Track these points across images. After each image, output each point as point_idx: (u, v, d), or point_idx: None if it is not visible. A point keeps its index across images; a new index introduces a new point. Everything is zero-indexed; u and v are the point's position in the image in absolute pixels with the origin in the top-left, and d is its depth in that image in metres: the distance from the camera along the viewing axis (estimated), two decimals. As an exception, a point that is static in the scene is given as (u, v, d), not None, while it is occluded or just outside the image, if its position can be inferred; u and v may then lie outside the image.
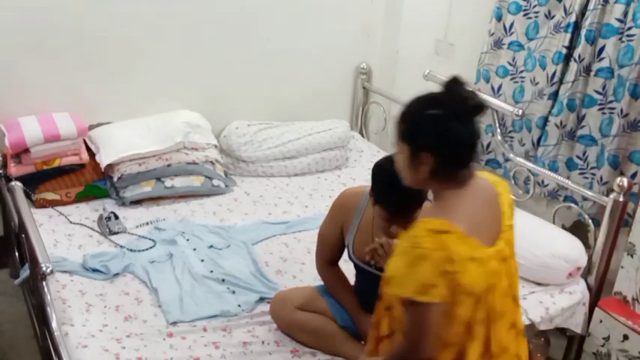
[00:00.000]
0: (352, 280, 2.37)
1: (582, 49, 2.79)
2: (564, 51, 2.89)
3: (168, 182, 3.20)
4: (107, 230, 2.88)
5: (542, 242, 2.73)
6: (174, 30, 3.38)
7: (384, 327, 1.73)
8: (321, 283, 2.44)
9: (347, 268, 2.36)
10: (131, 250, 2.75)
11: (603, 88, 2.78)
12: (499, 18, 3.21)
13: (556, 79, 2.95)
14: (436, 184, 1.59)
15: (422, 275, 1.44)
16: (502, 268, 1.60)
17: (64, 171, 3.11)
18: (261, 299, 2.51)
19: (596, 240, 2.72)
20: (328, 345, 2.25)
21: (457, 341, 1.56)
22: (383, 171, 1.95)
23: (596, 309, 2.66)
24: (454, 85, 1.59)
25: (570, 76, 2.86)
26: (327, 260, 2.33)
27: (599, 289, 2.77)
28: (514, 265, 1.68)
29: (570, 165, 3.00)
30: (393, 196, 1.90)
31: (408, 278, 1.45)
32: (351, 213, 2.21)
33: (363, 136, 4.12)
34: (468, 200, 1.56)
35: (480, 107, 1.57)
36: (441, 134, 1.52)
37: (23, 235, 2.38)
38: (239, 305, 2.47)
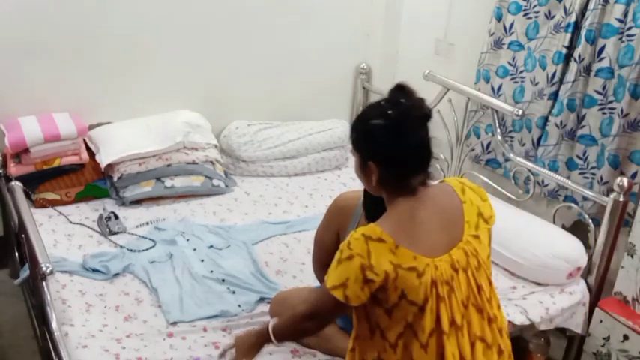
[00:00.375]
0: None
1: (582, 49, 2.79)
2: (564, 51, 2.89)
3: (168, 182, 3.20)
4: (107, 230, 2.89)
5: (542, 242, 2.73)
6: (174, 30, 3.38)
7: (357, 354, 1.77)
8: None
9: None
10: (131, 250, 2.76)
11: (603, 88, 2.78)
12: (499, 18, 3.21)
13: (556, 79, 2.95)
14: (386, 192, 1.63)
15: (341, 273, 1.55)
16: (459, 278, 1.60)
17: (64, 171, 3.11)
18: (261, 299, 2.52)
19: (596, 240, 2.71)
20: (328, 346, 2.25)
21: (403, 342, 1.60)
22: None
23: (596, 309, 2.66)
24: (398, 93, 1.60)
25: (570, 76, 2.86)
26: (324, 264, 2.30)
27: (599, 289, 2.76)
28: (481, 277, 1.66)
29: (570, 165, 3.00)
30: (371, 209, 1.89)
31: (333, 271, 1.57)
32: (347, 219, 2.17)
33: (363, 136, 4.12)
34: (416, 209, 1.59)
35: (425, 117, 1.59)
36: (382, 145, 1.57)
37: (23, 235, 2.38)
38: (239, 305, 2.47)
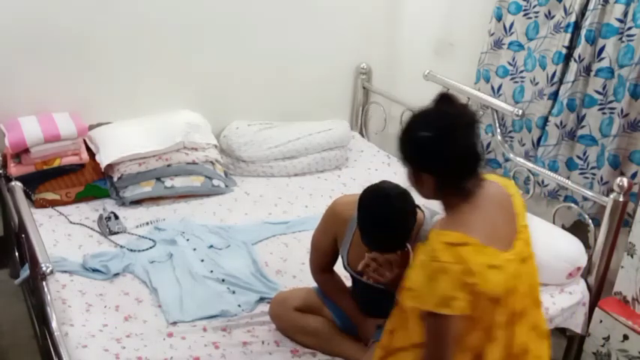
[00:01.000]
0: (349, 283, 2.36)
1: (582, 49, 2.79)
2: (564, 51, 2.89)
3: (168, 182, 3.20)
4: (107, 230, 2.88)
5: (542, 242, 2.71)
6: (174, 30, 3.37)
7: (397, 338, 1.72)
8: (321, 283, 2.44)
9: (344, 272, 2.35)
10: (131, 250, 2.75)
11: (603, 88, 2.78)
12: (499, 18, 3.21)
13: (556, 79, 2.95)
14: (444, 198, 1.62)
15: (442, 288, 1.46)
16: (522, 269, 1.63)
17: (64, 171, 3.11)
18: (261, 299, 2.51)
19: (596, 240, 2.71)
20: (328, 346, 2.25)
21: (475, 345, 1.58)
22: (368, 205, 1.91)
23: (596, 309, 2.66)
24: (443, 103, 1.60)
25: (570, 76, 2.86)
26: (321, 267, 2.31)
27: (599, 289, 2.76)
28: (533, 265, 1.70)
29: (570, 165, 3.00)
30: (371, 234, 1.90)
31: (428, 291, 1.48)
32: (344, 224, 2.15)
33: (363, 136, 4.12)
34: (480, 209, 1.59)
35: (471, 121, 1.58)
36: (433, 156, 1.56)
37: (23, 235, 2.38)
38: (239, 305, 2.47)
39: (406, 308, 1.60)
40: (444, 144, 1.55)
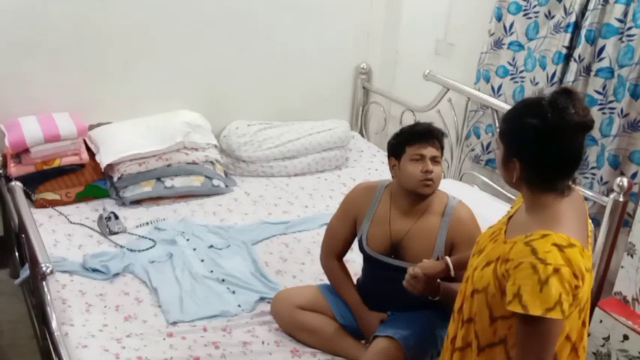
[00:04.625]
0: (354, 278, 2.38)
1: (582, 49, 2.79)
2: (564, 51, 2.89)
3: (168, 182, 3.20)
4: (107, 230, 2.88)
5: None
6: (174, 30, 3.38)
7: (458, 340, 1.68)
8: (322, 282, 2.44)
9: (349, 266, 2.38)
10: (131, 250, 2.75)
11: (603, 88, 2.78)
12: (499, 18, 3.21)
13: (556, 79, 2.95)
14: (527, 190, 1.55)
15: (553, 292, 1.41)
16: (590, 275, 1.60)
17: (64, 171, 3.11)
18: (261, 299, 2.52)
19: (596, 240, 2.71)
20: (329, 344, 2.25)
21: (556, 349, 1.54)
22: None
23: (596, 309, 2.65)
24: (563, 96, 1.50)
25: (570, 76, 2.86)
26: (334, 254, 2.35)
27: (599, 289, 2.76)
28: None
29: (570, 165, 3.00)
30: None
31: (539, 295, 1.41)
32: (365, 205, 2.25)
33: (363, 136, 4.12)
34: (572, 211, 1.54)
35: (586, 126, 1.51)
36: (532, 146, 1.49)
37: (23, 235, 2.38)
38: (239, 305, 2.47)
39: (471, 309, 1.57)
40: (549, 138, 1.47)
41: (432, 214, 2.16)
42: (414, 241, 2.15)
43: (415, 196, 2.14)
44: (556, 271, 1.40)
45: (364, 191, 2.29)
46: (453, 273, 1.94)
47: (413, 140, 2.13)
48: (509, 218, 1.66)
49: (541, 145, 1.48)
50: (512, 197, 3.16)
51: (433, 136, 2.14)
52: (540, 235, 1.44)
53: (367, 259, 2.27)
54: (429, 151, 2.11)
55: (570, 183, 1.56)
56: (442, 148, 2.17)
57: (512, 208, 1.73)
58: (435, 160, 2.12)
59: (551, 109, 1.48)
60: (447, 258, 1.96)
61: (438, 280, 1.98)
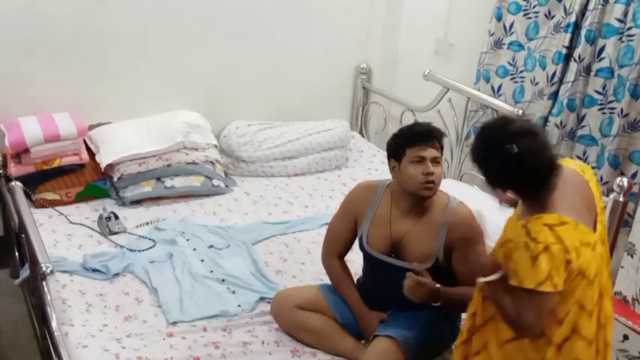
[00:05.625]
0: (355, 278, 2.38)
1: (582, 49, 2.79)
2: (564, 51, 2.89)
3: (168, 182, 3.20)
4: (107, 230, 2.88)
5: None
6: (174, 30, 3.38)
7: (478, 318, 1.81)
8: (322, 282, 2.44)
9: (350, 266, 2.38)
10: (131, 250, 2.75)
11: (603, 88, 2.78)
12: (499, 18, 3.21)
13: (556, 79, 2.95)
14: (527, 198, 1.69)
15: (543, 268, 1.57)
16: (604, 248, 1.73)
17: (64, 171, 3.11)
18: (261, 299, 2.51)
19: (596, 239, 2.71)
20: (329, 344, 2.25)
21: (570, 318, 1.67)
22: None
23: (596, 309, 2.66)
24: (501, 135, 1.64)
25: (570, 76, 2.86)
26: (335, 253, 2.35)
27: (599, 289, 2.76)
28: (607, 244, 1.82)
29: (570, 165, 3.00)
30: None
31: (531, 271, 1.58)
32: (365, 204, 2.25)
33: (363, 136, 4.12)
34: (561, 193, 1.65)
35: (532, 132, 1.64)
36: (517, 176, 1.63)
37: (23, 235, 2.38)
38: (239, 305, 2.47)
39: (484, 286, 1.72)
40: (522, 165, 1.60)
41: (433, 215, 2.16)
42: (414, 241, 2.15)
43: (416, 197, 2.14)
44: (546, 248, 1.56)
45: (365, 190, 2.28)
46: (438, 302, 2.04)
47: (413, 142, 2.11)
48: None
49: (519, 172, 1.61)
50: (512, 197, 3.16)
51: (433, 136, 2.12)
52: (535, 218, 1.62)
53: (367, 259, 2.28)
54: (430, 153, 2.10)
55: (559, 173, 1.65)
56: (442, 148, 2.16)
57: None
58: (435, 161, 2.11)
59: (507, 142, 1.60)
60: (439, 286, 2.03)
61: (438, 285, 2.03)
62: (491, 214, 3.03)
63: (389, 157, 2.20)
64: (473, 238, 2.08)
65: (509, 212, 2.97)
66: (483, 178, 1.71)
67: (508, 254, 1.63)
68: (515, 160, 1.59)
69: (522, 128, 1.63)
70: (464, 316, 2.37)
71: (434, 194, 2.13)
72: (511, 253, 1.61)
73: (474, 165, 1.71)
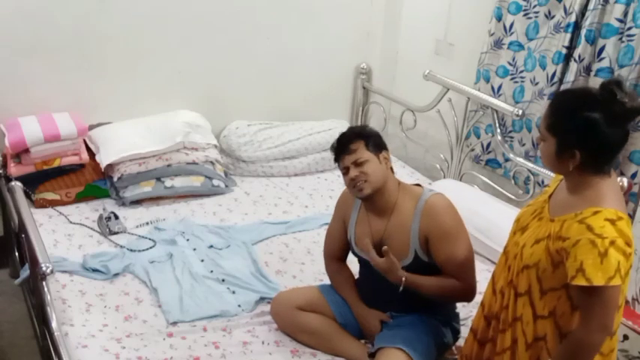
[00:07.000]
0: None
1: (582, 49, 2.79)
2: (564, 51, 2.89)
3: (168, 182, 3.20)
4: (107, 230, 2.88)
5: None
6: (174, 30, 3.38)
7: (509, 313, 1.79)
8: (322, 282, 2.45)
9: (350, 267, 2.38)
10: (131, 250, 2.75)
11: (603, 88, 2.78)
12: (499, 18, 3.21)
13: (556, 79, 2.95)
14: (578, 174, 1.66)
15: (613, 261, 1.55)
16: None
17: (64, 171, 3.11)
18: (261, 299, 2.51)
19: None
20: (329, 345, 2.25)
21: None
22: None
23: (596, 309, 2.65)
24: (613, 87, 1.61)
25: (570, 76, 2.86)
26: (334, 256, 2.37)
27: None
28: None
29: (570, 165, 3.00)
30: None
31: (601, 267, 1.56)
32: (349, 208, 2.29)
33: (363, 136, 4.12)
34: (613, 188, 1.66)
35: (638, 111, 1.62)
36: (596, 139, 1.60)
37: (23, 235, 2.38)
38: (239, 305, 2.47)
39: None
40: (610, 128, 1.58)
41: (405, 209, 2.16)
42: (392, 237, 2.15)
43: (368, 199, 2.17)
44: (612, 243, 1.55)
45: (348, 195, 2.31)
46: (401, 287, 2.05)
47: (335, 157, 2.26)
48: (550, 196, 1.77)
49: (601, 136, 1.59)
50: (512, 197, 3.16)
51: (344, 144, 2.22)
52: (592, 213, 1.59)
53: (359, 260, 2.29)
54: (348, 160, 2.18)
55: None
56: (367, 145, 2.18)
57: (549, 187, 1.85)
58: (356, 163, 2.16)
59: (605, 98, 1.59)
60: (405, 275, 2.05)
61: (404, 272, 2.06)
62: (491, 213, 3.03)
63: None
64: (445, 227, 2.08)
65: (509, 212, 2.97)
66: (555, 139, 1.64)
67: (567, 253, 1.59)
68: (598, 122, 1.58)
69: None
70: (463, 316, 2.38)
71: (372, 191, 2.14)
72: (574, 251, 1.58)
73: (547, 124, 1.66)
